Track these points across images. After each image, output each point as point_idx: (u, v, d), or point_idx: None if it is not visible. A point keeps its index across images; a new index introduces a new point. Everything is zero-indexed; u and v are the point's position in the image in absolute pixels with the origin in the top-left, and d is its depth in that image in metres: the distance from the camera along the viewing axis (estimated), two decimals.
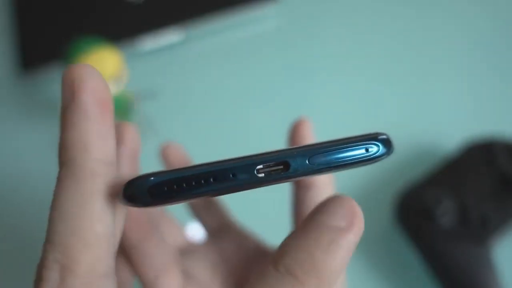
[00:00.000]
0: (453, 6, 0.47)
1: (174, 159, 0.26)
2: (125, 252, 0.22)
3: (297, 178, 0.16)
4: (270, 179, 0.15)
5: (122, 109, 0.40)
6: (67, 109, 0.16)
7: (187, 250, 0.25)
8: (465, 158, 0.36)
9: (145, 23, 0.46)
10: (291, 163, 0.15)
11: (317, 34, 0.47)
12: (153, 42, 0.46)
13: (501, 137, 0.36)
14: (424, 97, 0.42)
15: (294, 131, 0.24)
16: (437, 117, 0.41)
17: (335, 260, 0.16)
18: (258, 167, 0.15)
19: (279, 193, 0.26)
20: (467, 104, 0.42)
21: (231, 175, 0.15)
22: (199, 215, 0.27)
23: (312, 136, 0.24)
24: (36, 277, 0.15)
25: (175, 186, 0.15)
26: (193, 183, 0.15)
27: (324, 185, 0.23)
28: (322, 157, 0.15)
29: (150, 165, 0.29)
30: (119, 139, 0.19)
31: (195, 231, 0.31)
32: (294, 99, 0.43)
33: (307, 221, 0.17)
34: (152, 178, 0.15)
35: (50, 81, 0.45)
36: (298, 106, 0.43)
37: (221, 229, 0.26)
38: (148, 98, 0.42)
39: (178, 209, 0.28)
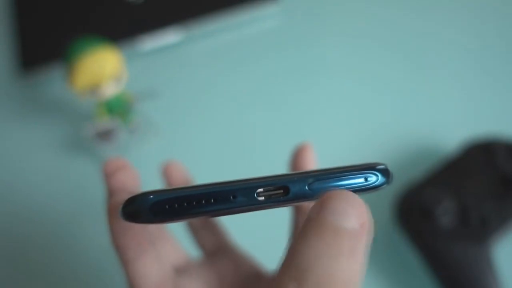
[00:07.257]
0: (452, 7, 0.47)
1: (175, 179, 0.26)
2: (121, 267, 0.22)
3: (296, 203, 0.16)
4: (270, 202, 0.16)
5: (122, 109, 0.40)
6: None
7: (183, 269, 0.25)
8: (465, 158, 0.36)
9: (145, 23, 0.46)
10: (291, 188, 0.16)
11: (317, 34, 0.47)
12: (153, 42, 0.46)
13: (501, 137, 0.36)
14: (424, 98, 0.42)
15: (296, 156, 0.24)
16: (437, 117, 0.41)
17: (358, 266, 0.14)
18: (259, 190, 0.15)
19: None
20: (467, 104, 0.42)
21: (231, 197, 0.15)
22: (197, 234, 0.27)
23: (314, 162, 0.24)
24: None
25: (176, 205, 0.15)
26: (194, 203, 0.15)
27: None
28: (322, 183, 0.16)
29: (150, 165, 0.30)
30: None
31: None
32: (294, 98, 0.43)
33: (313, 222, 0.15)
34: (153, 196, 0.15)
35: (50, 81, 0.45)
36: (298, 106, 0.43)
37: (218, 250, 0.26)
38: (148, 98, 0.42)
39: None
